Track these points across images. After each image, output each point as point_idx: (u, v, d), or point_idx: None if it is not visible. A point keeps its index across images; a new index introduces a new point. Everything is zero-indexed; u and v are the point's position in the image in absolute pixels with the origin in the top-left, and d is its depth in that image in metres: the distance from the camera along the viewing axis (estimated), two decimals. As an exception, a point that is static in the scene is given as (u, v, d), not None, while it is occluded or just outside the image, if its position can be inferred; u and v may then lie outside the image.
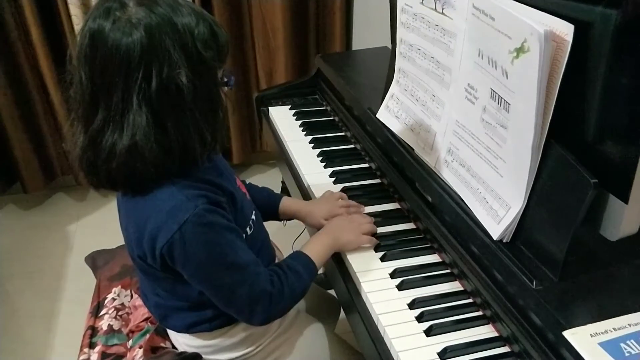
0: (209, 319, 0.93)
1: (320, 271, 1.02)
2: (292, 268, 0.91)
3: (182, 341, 0.98)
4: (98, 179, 0.81)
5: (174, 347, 1.01)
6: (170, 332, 1.01)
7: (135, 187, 0.82)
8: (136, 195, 0.82)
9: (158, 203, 0.80)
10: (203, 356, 0.97)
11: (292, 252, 0.98)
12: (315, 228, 1.07)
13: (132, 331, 1.04)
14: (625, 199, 0.76)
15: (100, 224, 2.16)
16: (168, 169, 0.79)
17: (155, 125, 0.75)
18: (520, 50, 0.75)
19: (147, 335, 1.00)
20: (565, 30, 0.71)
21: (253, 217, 0.95)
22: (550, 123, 0.76)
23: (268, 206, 1.10)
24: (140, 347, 0.98)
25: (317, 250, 0.96)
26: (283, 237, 1.28)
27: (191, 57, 0.75)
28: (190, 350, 0.98)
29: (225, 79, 0.83)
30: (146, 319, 1.04)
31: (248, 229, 0.92)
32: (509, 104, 0.80)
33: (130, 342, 1.02)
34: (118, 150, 0.76)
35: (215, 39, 0.78)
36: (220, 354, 0.98)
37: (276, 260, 1.04)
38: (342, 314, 1.23)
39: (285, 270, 0.90)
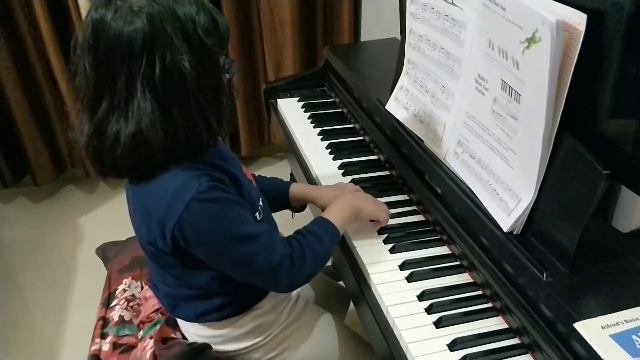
0: (218, 308, 0.93)
1: (329, 263, 1.02)
2: (312, 232, 0.91)
3: (193, 331, 0.99)
4: (104, 167, 0.82)
5: (184, 337, 1.02)
6: (181, 323, 1.01)
7: (141, 174, 0.82)
8: (142, 181, 0.83)
9: (162, 186, 0.81)
10: (213, 346, 0.98)
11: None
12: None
13: (142, 322, 1.04)
14: (637, 190, 0.76)
15: (110, 216, 2.17)
16: (174, 155, 0.80)
17: (161, 111, 0.76)
18: (531, 41, 0.74)
19: (158, 326, 1.00)
20: (578, 19, 0.70)
21: (261, 203, 0.96)
22: (561, 114, 0.75)
23: (278, 193, 1.10)
24: (150, 338, 0.99)
25: (337, 214, 0.95)
26: (290, 228, 1.27)
27: (193, 44, 0.76)
28: (200, 340, 0.98)
29: (227, 67, 0.84)
30: (156, 310, 1.04)
31: (257, 215, 0.93)
32: (519, 94, 0.79)
33: (141, 333, 1.03)
34: (123, 137, 0.76)
35: (216, 26, 0.79)
36: (230, 344, 0.99)
37: None
38: (351, 305, 1.23)
39: (305, 234, 0.90)
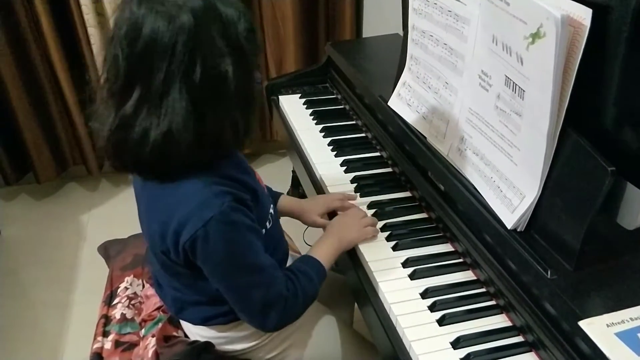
0: (225, 313, 0.92)
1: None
2: (303, 272, 0.91)
3: (196, 331, 0.99)
4: (123, 161, 0.80)
5: (186, 336, 1.01)
6: (184, 323, 1.01)
7: (162, 174, 0.80)
8: (161, 183, 0.81)
9: (184, 198, 0.79)
10: (216, 346, 0.98)
11: (302, 241, 0.97)
12: (311, 226, 1.08)
13: (144, 320, 1.04)
14: (643, 187, 0.75)
15: (112, 214, 2.17)
16: (198, 159, 0.78)
17: (194, 113, 0.74)
18: (535, 36, 0.73)
19: (160, 325, 1.00)
20: (583, 14, 0.70)
21: (271, 210, 0.95)
22: (566, 110, 0.75)
23: None
24: (152, 336, 0.99)
25: (324, 253, 0.96)
26: (293, 228, 1.27)
27: (233, 47, 0.75)
28: (202, 339, 0.98)
29: (256, 76, 0.83)
30: (158, 308, 1.04)
31: (267, 223, 0.92)
32: (523, 91, 0.78)
33: (142, 331, 1.03)
34: (153, 134, 0.74)
35: (253, 35, 0.78)
36: (233, 345, 0.98)
37: (290, 252, 1.04)
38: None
39: (297, 274, 0.90)
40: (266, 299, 0.84)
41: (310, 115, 1.42)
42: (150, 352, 0.96)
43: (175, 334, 1.00)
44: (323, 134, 1.34)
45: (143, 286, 1.12)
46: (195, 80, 0.72)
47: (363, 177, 1.18)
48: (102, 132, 0.78)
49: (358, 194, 1.12)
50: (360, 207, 1.08)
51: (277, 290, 0.85)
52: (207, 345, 0.96)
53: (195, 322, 0.97)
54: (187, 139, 0.74)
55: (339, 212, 1.07)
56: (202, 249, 0.79)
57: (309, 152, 1.28)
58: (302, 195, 1.34)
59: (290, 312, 0.88)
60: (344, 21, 2.13)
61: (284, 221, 1.08)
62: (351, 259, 1.00)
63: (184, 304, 0.95)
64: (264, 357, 1.01)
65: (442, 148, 1.02)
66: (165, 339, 0.98)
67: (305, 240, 1.43)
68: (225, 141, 0.78)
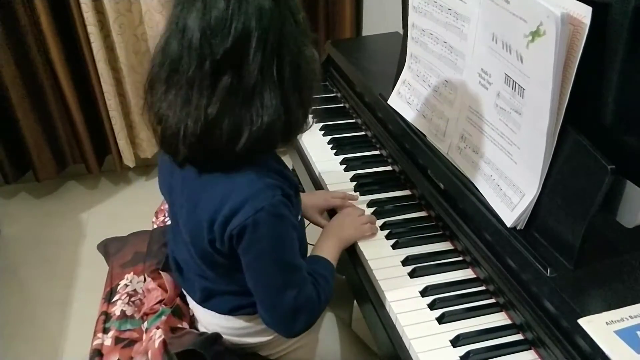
0: (254, 304, 0.90)
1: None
2: (321, 274, 0.90)
3: (216, 322, 0.97)
4: (193, 152, 0.77)
5: (190, 327, 1.02)
6: (199, 313, 1.00)
7: (222, 167, 0.80)
8: (210, 174, 0.80)
9: (238, 187, 0.78)
10: (223, 337, 0.98)
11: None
12: (312, 222, 1.08)
13: (146, 314, 1.05)
14: (642, 185, 0.75)
15: (111, 212, 2.17)
16: (262, 150, 0.78)
17: (283, 103, 0.74)
18: (535, 34, 0.73)
19: (164, 317, 1.00)
20: (583, 12, 0.70)
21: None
22: (566, 108, 0.75)
23: None
24: (157, 328, 0.99)
25: (329, 254, 0.96)
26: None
27: (304, 35, 0.76)
28: (219, 329, 0.98)
29: None
30: (160, 302, 1.04)
31: (298, 217, 0.92)
32: (523, 89, 0.78)
33: (145, 324, 1.03)
34: (249, 129, 0.73)
35: (306, 21, 0.78)
36: (248, 338, 0.98)
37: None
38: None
39: (317, 277, 0.89)
40: (297, 302, 0.83)
41: (310, 113, 1.42)
42: (157, 343, 0.96)
43: (179, 325, 1.01)
44: (323, 132, 1.34)
45: (145, 280, 1.12)
46: (285, 69, 0.73)
47: (363, 175, 1.18)
48: (170, 121, 0.75)
49: (358, 194, 1.12)
50: (360, 205, 1.08)
51: (307, 293, 0.85)
52: (216, 337, 0.97)
53: (221, 312, 0.96)
54: (278, 129, 0.75)
55: (338, 211, 1.08)
56: (248, 237, 0.78)
57: (308, 150, 1.28)
58: (302, 194, 1.34)
59: (315, 316, 0.88)
60: (344, 19, 2.12)
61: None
62: (351, 257, 1.00)
63: (212, 292, 0.94)
64: (269, 352, 1.01)
65: (441, 146, 1.02)
66: (171, 330, 0.98)
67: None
68: (295, 131, 0.80)
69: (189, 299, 1.03)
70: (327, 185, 1.16)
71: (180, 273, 1.00)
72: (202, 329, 1.02)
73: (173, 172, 0.88)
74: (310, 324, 0.88)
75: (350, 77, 1.40)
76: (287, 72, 0.74)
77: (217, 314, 0.97)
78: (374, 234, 1.01)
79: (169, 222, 1.24)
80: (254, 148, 0.75)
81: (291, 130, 0.79)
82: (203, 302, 0.97)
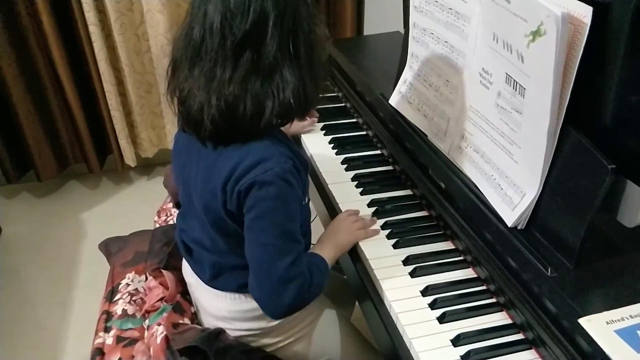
0: None
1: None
2: (315, 264, 0.91)
3: (222, 306, 0.98)
4: (216, 127, 0.81)
5: (191, 323, 1.02)
6: (204, 296, 1.01)
7: (242, 139, 0.84)
8: (227, 145, 0.84)
9: (253, 151, 0.82)
10: (227, 325, 0.98)
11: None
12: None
13: (147, 311, 1.05)
14: (643, 185, 0.75)
15: (113, 212, 2.17)
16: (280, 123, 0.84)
17: (300, 80, 0.80)
18: (536, 34, 0.73)
19: (165, 314, 1.01)
20: (583, 12, 0.70)
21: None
22: (566, 108, 0.75)
23: None
24: (159, 325, 1.00)
25: (330, 254, 0.96)
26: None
27: (315, 15, 0.81)
28: (219, 314, 0.98)
29: None
30: (161, 299, 1.05)
31: (306, 198, 0.94)
32: (524, 88, 0.79)
33: (147, 321, 1.03)
34: (271, 104, 0.79)
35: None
36: (248, 322, 0.98)
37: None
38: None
39: (311, 266, 0.90)
40: (289, 272, 0.84)
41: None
42: (160, 339, 0.96)
43: (181, 321, 1.01)
44: (324, 131, 1.34)
45: (146, 279, 1.12)
46: (300, 45, 0.79)
47: (364, 175, 1.18)
48: (194, 100, 0.80)
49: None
50: (361, 205, 1.08)
51: (300, 267, 0.85)
52: (219, 332, 0.97)
53: (229, 289, 0.97)
54: (297, 103, 0.80)
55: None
56: (254, 194, 0.81)
57: (309, 149, 1.28)
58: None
59: (303, 297, 0.87)
60: (345, 19, 2.13)
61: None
62: (352, 256, 1.00)
63: (222, 269, 0.96)
64: (271, 342, 1.01)
65: (442, 146, 1.03)
66: (173, 326, 0.98)
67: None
68: (313, 103, 0.85)
69: (193, 288, 1.04)
70: (329, 185, 1.16)
71: (190, 255, 1.01)
72: (205, 321, 1.02)
73: (190, 150, 0.92)
74: (297, 304, 0.88)
75: (351, 77, 1.40)
76: (302, 50, 0.80)
77: (224, 295, 0.98)
78: (370, 237, 1.00)
79: (171, 222, 1.24)
80: (275, 122, 0.82)
81: (307, 103, 0.83)
82: (212, 280, 0.98)
